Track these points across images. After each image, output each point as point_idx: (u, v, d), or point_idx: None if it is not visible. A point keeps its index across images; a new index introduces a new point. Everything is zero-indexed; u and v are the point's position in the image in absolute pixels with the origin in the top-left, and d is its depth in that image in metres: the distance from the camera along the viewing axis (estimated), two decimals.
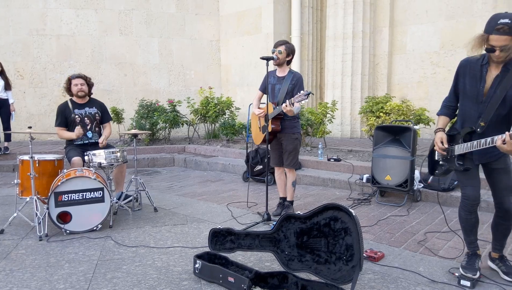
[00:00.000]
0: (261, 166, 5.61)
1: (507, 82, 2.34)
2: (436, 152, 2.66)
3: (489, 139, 2.27)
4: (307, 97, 3.48)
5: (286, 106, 3.59)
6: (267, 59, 3.76)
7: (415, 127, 4.42)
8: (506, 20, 2.19)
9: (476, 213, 2.62)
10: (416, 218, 3.95)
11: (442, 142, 2.56)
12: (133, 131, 4.34)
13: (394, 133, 4.54)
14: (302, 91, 3.50)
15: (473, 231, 2.67)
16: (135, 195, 4.24)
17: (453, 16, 7.72)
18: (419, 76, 8.30)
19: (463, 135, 2.51)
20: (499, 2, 6.98)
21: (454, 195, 4.33)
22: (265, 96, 3.99)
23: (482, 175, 2.61)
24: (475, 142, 2.37)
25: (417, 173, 4.57)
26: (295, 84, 3.87)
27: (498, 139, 2.21)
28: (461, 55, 7.78)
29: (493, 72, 2.42)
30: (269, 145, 4.00)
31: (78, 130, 4.19)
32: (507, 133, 2.19)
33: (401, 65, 8.58)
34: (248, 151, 5.81)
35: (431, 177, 4.47)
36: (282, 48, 3.89)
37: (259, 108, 4.13)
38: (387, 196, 4.71)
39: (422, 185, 4.63)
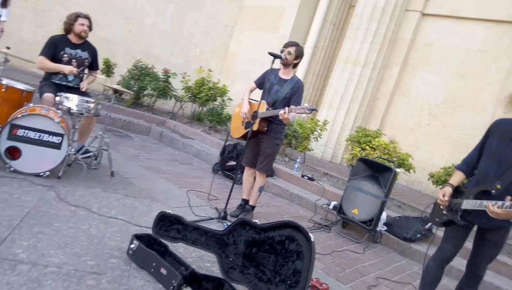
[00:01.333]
0: (234, 162, 5.42)
1: None
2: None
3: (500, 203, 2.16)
4: (311, 112, 3.33)
5: (285, 113, 3.41)
6: (275, 56, 3.59)
7: (397, 169, 4.32)
8: None
9: (443, 269, 2.58)
10: (371, 259, 3.84)
11: (444, 195, 2.47)
12: (115, 87, 4.09)
13: (375, 169, 4.44)
14: (306, 104, 3.34)
15: (432, 285, 2.62)
16: (96, 152, 3.99)
17: (464, 75, 7.72)
18: (414, 123, 8.28)
19: (476, 192, 2.39)
20: (511, 76, 7.00)
21: (413, 247, 4.25)
22: (256, 90, 3.81)
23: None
24: (484, 202, 2.24)
25: (384, 215, 4.48)
26: (295, 92, 3.72)
27: (489, 205, 2.16)
28: (459, 115, 7.81)
29: None
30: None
31: (72, 68, 3.98)
32: (499, 203, 2.11)
33: (400, 107, 8.53)
34: (226, 143, 5.62)
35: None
36: (292, 49, 3.73)
37: (250, 104, 3.94)
38: (348, 229, 4.60)
39: (385, 228, 4.54)
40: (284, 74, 3.80)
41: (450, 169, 5.20)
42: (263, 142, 3.82)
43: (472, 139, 7.47)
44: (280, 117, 3.47)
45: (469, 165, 2.55)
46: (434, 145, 7.92)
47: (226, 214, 3.63)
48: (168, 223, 2.60)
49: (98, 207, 3.06)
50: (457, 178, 2.54)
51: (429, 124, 8.07)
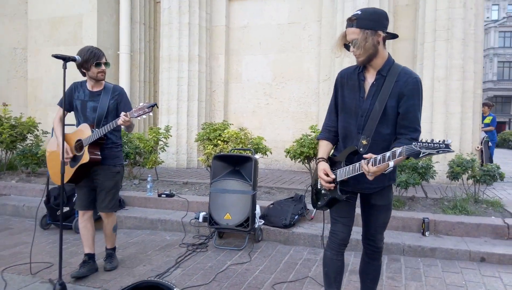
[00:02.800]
0: (68, 208, 4.25)
1: (384, 92, 1.94)
2: (318, 181, 2.12)
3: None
4: (151, 110, 2.66)
5: (124, 120, 2.70)
6: (65, 59, 2.70)
7: (256, 156, 3.93)
8: (357, 12, 1.91)
9: (343, 256, 2.18)
10: (260, 264, 3.35)
11: (326, 174, 2.03)
12: None
13: (234, 163, 3.96)
14: (141, 103, 2.69)
15: (337, 279, 2.20)
16: None
17: (283, 50, 7.99)
18: (254, 105, 8.26)
19: (345, 157, 2.01)
20: (322, 41, 7.51)
21: (295, 231, 3.95)
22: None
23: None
24: (357, 164, 1.89)
25: (258, 209, 4.07)
26: (119, 100, 3.04)
27: (363, 165, 1.83)
28: (291, 87, 8.08)
29: (368, 80, 2.03)
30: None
31: None
32: (366, 160, 1.82)
33: (237, 94, 8.41)
34: (49, 187, 4.36)
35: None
36: (105, 59, 3.04)
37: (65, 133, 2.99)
38: (226, 237, 4.04)
39: (263, 221, 4.15)
40: (96, 86, 3.06)
41: (302, 140, 5.15)
42: (100, 175, 3.02)
43: (308, 107, 7.85)
44: (122, 123, 2.73)
45: (331, 130, 2.20)
46: (277, 121, 8.05)
47: (64, 285, 2.59)
48: None
49: None
50: (324, 149, 2.17)
51: (268, 103, 8.15)
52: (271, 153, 5.56)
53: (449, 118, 6.24)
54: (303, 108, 7.90)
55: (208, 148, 5.21)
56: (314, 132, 5.17)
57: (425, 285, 2.93)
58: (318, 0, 7.59)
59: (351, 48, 1.93)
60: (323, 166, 2.06)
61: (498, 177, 4.33)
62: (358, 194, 2.17)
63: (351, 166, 1.94)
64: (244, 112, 8.31)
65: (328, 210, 2.20)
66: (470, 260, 3.38)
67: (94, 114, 2.98)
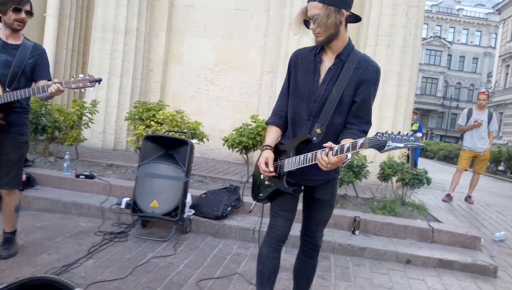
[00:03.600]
0: None
1: (343, 79, 1.77)
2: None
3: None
4: (94, 85, 2.38)
5: (57, 89, 2.36)
6: None
7: (192, 141, 3.63)
8: None
9: (280, 253, 2.02)
10: (185, 257, 3.07)
11: (267, 164, 1.86)
12: None
13: (167, 146, 3.62)
14: (81, 75, 2.42)
15: (271, 278, 2.03)
16: None
17: (229, 36, 7.68)
18: (194, 90, 7.87)
19: (295, 146, 1.81)
20: (269, 32, 7.35)
21: (227, 223, 3.73)
22: None
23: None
24: (309, 155, 1.72)
25: (189, 198, 3.78)
26: (39, 61, 2.63)
27: (321, 156, 1.67)
28: (233, 76, 7.82)
29: (326, 64, 1.85)
30: None
31: None
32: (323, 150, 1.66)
33: (177, 76, 7.94)
34: None
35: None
36: (30, 8, 2.57)
37: None
38: (150, 226, 3.69)
39: (193, 211, 3.87)
40: (13, 39, 2.59)
41: (242, 130, 4.93)
42: (4, 145, 2.59)
43: (249, 97, 7.65)
44: (54, 92, 2.37)
45: (282, 116, 2.00)
46: (217, 109, 7.75)
47: None
48: None
49: None
50: (272, 135, 1.98)
51: (208, 89, 7.81)
52: (208, 140, 5.27)
53: (382, 122, 6.42)
54: (244, 98, 7.69)
55: (139, 128, 4.78)
56: (255, 122, 4.98)
57: (354, 286, 2.88)
58: None
59: (311, 25, 1.74)
60: (267, 155, 1.88)
61: (425, 181, 4.50)
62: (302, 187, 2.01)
63: (302, 156, 1.76)
64: (183, 96, 7.88)
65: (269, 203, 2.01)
66: (397, 262, 3.43)
67: (5, 70, 2.53)
